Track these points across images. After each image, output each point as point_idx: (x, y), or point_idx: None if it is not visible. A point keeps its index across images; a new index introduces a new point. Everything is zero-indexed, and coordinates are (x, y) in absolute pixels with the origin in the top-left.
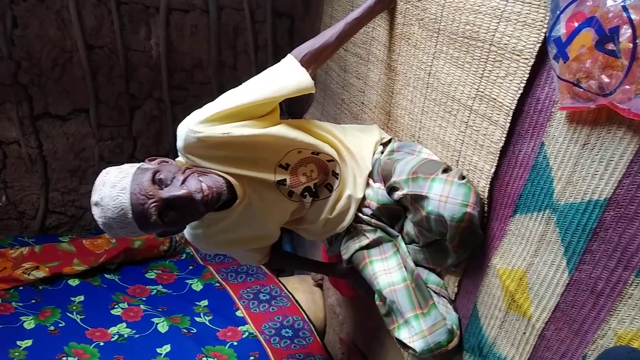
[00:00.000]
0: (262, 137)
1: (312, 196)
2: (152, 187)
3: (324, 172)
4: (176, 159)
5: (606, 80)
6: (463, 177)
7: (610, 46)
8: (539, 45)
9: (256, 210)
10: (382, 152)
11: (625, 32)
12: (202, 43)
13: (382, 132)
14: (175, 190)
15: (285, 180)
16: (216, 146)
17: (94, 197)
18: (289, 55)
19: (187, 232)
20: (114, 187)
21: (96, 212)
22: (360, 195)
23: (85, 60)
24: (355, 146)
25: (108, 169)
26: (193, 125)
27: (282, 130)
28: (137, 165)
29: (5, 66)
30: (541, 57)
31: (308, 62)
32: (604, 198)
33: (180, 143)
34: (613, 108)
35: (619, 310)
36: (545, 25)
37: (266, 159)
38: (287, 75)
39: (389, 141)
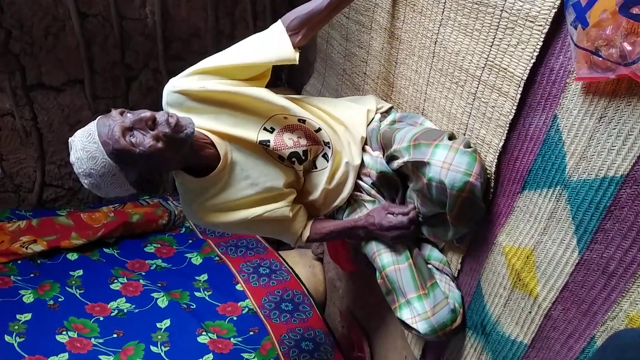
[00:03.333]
0: (240, 96)
1: (301, 163)
2: (118, 115)
3: (315, 142)
4: None
5: (629, 48)
6: (469, 146)
7: (636, 10)
8: (554, 10)
9: (243, 173)
10: (381, 121)
11: None
12: (199, 11)
13: (380, 100)
14: (140, 112)
15: (268, 141)
16: (195, 100)
17: (70, 139)
18: (278, 21)
19: (185, 211)
20: (85, 126)
21: (71, 155)
22: (357, 162)
23: (78, 28)
24: (346, 115)
25: None
26: (174, 81)
27: (261, 92)
28: None
29: None
30: (556, 23)
31: (296, 28)
32: (620, 174)
33: (164, 99)
34: (635, 78)
35: (632, 292)
36: None
37: (249, 120)
38: (270, 44)
39: (389, 110)
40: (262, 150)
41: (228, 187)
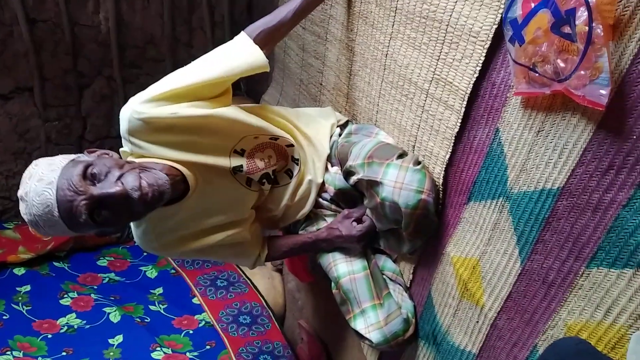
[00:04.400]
0: (212, 119)
1: (271, 183)
2: (82, 183)
3: (283, 158)
4: (120, 149)
5: (562, 65)
6: (418, 163)
7: (567, 29)
8: (495, 27)
9: (209, 203)
10: (339, 135)
11: (582, 15)
12: (155, 18)
13: (337, 114)
14: (108, 186)
15: (241, 166)
16: (163, 129)
17: (20, 191)
18: (242, 32)
19: (136, 237)
20: (41, 180)
21: (22, 208)
22: (320, 180)
23: (27, 34)
24: (311, 130)
25: (38, 160)
26: (137, 106)
27: (235, 112)
28: (71, 157)
29: None
30: (498, 39)
31: (263, 41)
32: (557, 187)
33: (124, 126)
34: (568, 94)
35: (569, 301)
36: (502, 6)
37: (219, 144)
38: (239, 54)
39: (346, 123)
40: (230, 176)
41: (190, 218)
